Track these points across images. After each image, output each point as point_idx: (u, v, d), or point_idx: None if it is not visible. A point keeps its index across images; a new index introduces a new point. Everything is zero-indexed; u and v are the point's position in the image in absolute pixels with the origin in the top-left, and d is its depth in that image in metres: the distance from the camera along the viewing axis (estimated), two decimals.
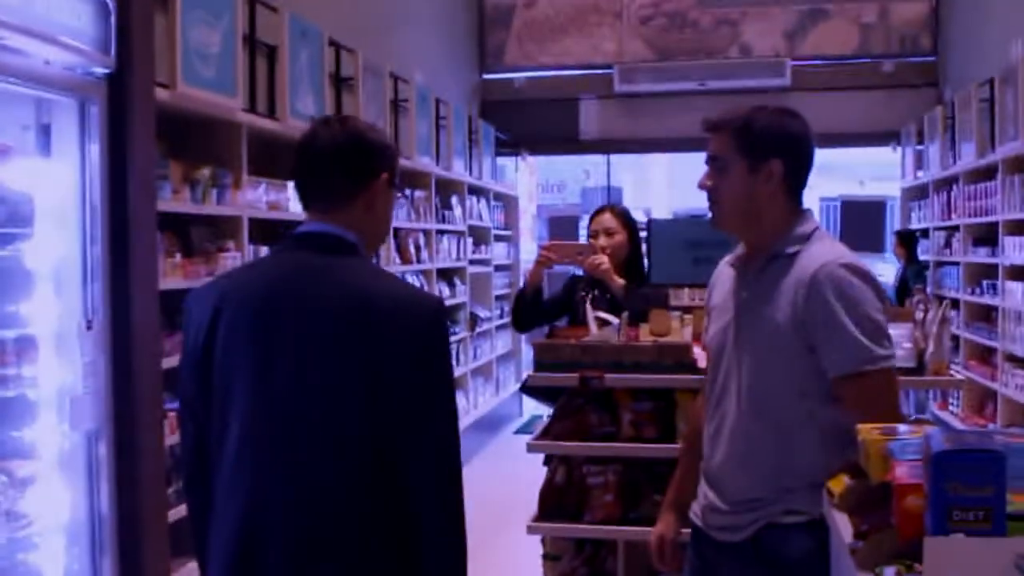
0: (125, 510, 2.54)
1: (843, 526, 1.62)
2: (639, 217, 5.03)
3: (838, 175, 15.01)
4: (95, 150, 2.52)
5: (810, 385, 2.29)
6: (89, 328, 2.45)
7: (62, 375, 2.51)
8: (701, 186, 2.43)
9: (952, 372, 3.60)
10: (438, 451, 1.98)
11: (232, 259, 4.44)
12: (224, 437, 2.01)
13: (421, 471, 1.96)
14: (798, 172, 2.39)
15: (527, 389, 4.23)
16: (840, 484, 1.75)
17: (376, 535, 1.98)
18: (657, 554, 2.66)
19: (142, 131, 2.59)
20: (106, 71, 2.57)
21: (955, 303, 8.16)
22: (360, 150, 2.06)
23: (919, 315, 3.68)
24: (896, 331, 3.56)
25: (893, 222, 10.94)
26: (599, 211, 4.34)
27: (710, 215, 2.46)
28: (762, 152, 2.33)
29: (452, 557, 2.03)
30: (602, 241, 4.20)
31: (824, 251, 2.32)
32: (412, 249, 7.37)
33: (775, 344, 2.31)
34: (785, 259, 2.34)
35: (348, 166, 2.05)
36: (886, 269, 11.66)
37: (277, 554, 1.95)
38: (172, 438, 3.79)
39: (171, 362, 3.62)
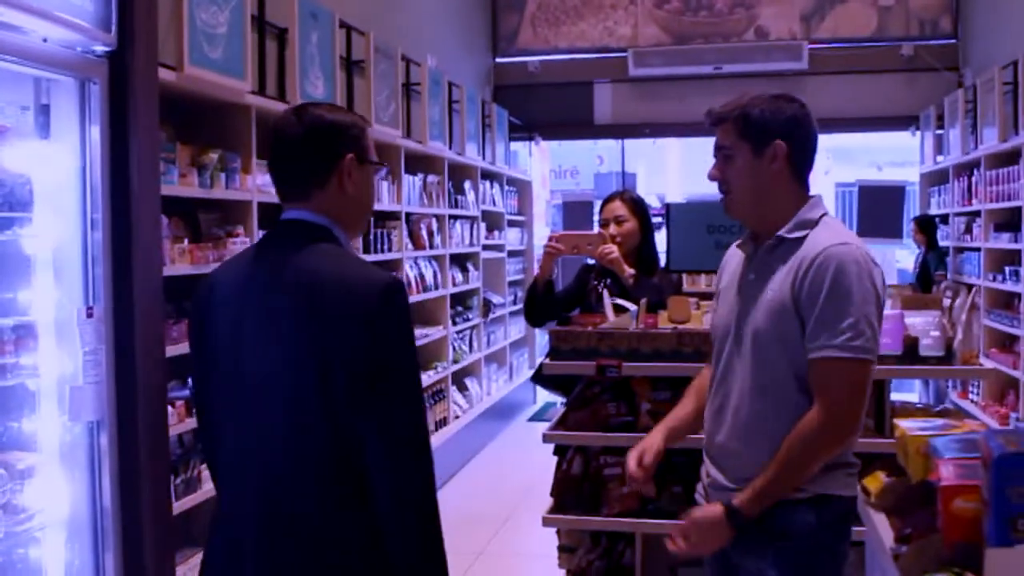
0: (128, 503, 2.46)
1: (883, 528, 1.52)
2: (652, 203, 4.92)
3: (855, 160, 14.84)
4: (96, 131, 2.43)
5: (804, 364, 2.31)
6: (90, 316, 2.36)
7: (62, 364, 2.42)
8: (711, 177, 2.50)
9: (981, 361, 3.50)
10: (392, 429, 1.97)
11: (241, 244, 4.35)
12: (219, 421, 2.14)
13: (376, 450, 1.96)
14: (801, 153, 2.44)
15: (539, 379, 4.13)
16: (877, 482, 1.66)
17: (344, 515, 1.99)
18: (636, 460, 2.62)
19: (145, 111, 2.50)
20: (107, 49, 2.47)
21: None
22: (318, 135, 2.11)
23: (946, 302, 3.58)
24: (923, 319, 3.47)
25: (912, 208, 10.76)
26: (610, 199, 4.24)
27: (724, 203, 2.53)
28: (764, 135, 2.39)
29: (415, 538, 1.98)
30: (612, 229, 4.10)
31: (830, 236, 2.36)
32: (424, 234, 7.28)
33: (776, 324, 2.34)
34: (791, 242, 2.39)
35: (309, 153, 2.11)
36: (904, 256, 11.52)
37: (251, 538, 2.02)
38: (178, 428, 3.72)
39: (176, 350, 3.54)
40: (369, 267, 2.10)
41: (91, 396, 2.37)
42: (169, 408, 2.99)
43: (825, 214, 2.44)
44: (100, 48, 2.47)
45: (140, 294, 2.48)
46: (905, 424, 1.60)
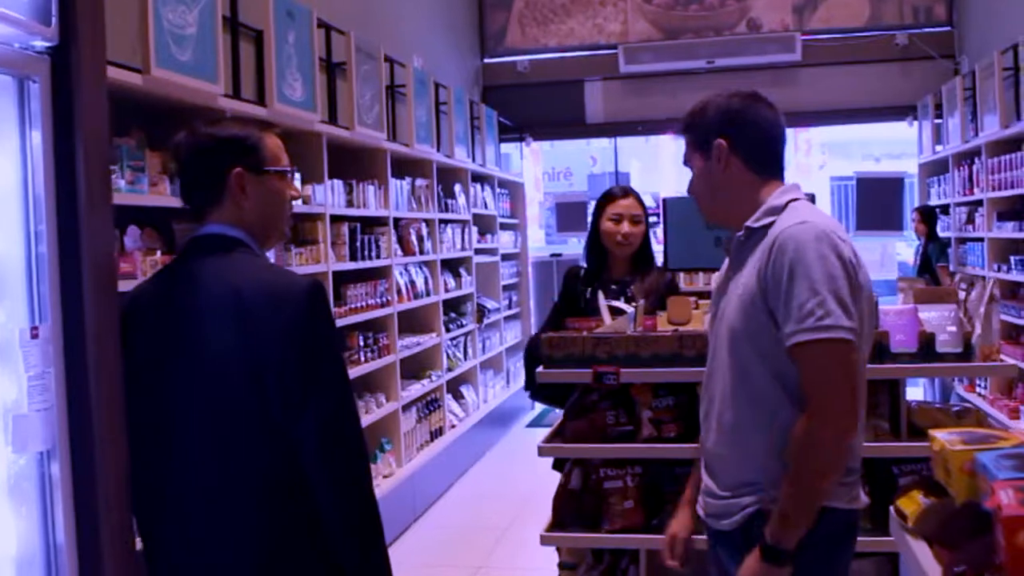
0: (85, 537, 2.24)
1: (925, 560, 1.31)
2: (647, 202, 4.75)
3: (850, 153, 14.69)
4: (36, 134, 2.22)
5: (782, 361, 2.16)
6: (35, 336, 2.15)
7: (6, 391, 2.22)
8: (688, 191, 2.47)
9: (1003, 356, 3.29)
10: (328, 430, 1.98)
11: None
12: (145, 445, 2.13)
13: (313, 450, 1.98)
14: (747, 143, 2.34)
15: (536, 395, 3.90)
16: (914, 503, 1.45)
17: (288, 524, 2.01)
18: (668, 551, 2.56)
19: (92, 111, 2.28)
20: (48, 44, 2.25)
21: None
22: (201, 153, 2.15)
23: (962, 295, 3.38)
24: (939, 313, 3.27)
25: (912, 199, 10.57)
26: (623, 195, 4.00)
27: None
28: (706, 138, 2.35)
29: (355, 535, 2.02)
30: (626, 227, 3.91)
31: (793, 217, 2.20)
32: (414, 240, 7.07)
33: (746, 320, 2.22)
34: (759, 232, 2.27)
35: (198, 172, 2.16)
36: (903, 248, 11.32)
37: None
38: None
39: None
40: (288, 272, 2.09)
41: (39, 424, 2.16)
42: None
43: (795, 199, 2.29)
44: (40, 43, 2.26)
45: (93, 311, 2.26)
46: (942, 436, 1.40)
